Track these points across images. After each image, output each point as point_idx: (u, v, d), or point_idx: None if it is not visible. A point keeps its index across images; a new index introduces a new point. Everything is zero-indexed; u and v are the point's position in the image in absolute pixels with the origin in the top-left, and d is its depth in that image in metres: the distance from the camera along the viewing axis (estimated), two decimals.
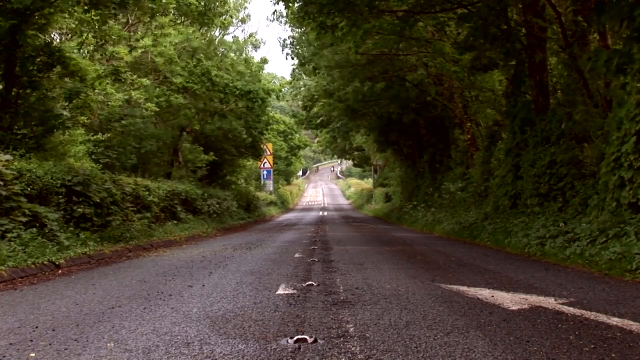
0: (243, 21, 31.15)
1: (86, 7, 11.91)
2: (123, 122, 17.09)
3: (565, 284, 5.93)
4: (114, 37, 15.63)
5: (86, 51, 15.16)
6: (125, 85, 16.63)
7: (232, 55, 28.61)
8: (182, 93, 20.60)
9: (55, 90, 13.42)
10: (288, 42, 26.30)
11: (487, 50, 13.03)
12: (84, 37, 14.89)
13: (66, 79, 13.39)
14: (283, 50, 28.63)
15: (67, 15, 12.80)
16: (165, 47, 19.47)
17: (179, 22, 21.66)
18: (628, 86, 8.06)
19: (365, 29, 13.15)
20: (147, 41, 18.67)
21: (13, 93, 11.75)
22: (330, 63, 21.68)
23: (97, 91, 14.50)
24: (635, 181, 7.65)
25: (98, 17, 13.13)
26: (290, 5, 14.62)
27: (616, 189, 8.14)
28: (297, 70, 32.49)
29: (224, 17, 24.48)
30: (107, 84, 15.15)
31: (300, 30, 24.47)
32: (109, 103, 16.37)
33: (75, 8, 12.19)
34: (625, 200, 7.82)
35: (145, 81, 17.84)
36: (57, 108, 12.80)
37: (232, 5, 26.92)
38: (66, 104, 13.46)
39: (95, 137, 15.37)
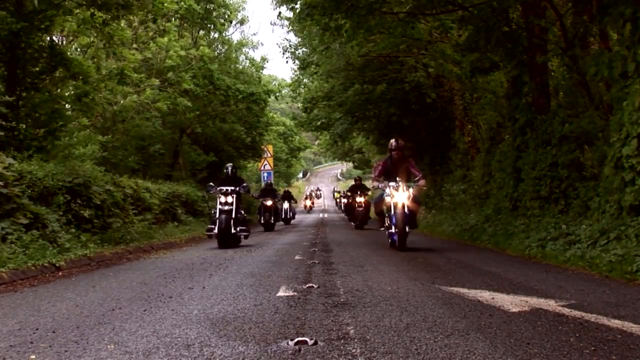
0: (242, 22, 31.07)
1: (91, 11, 11.93)
2: (128, 122, 17.14)
3: (565, 286, 5.92)
4: (116, 40, 15.66)
5: (91, 54, 15.17)
6: (130, 86, 16.65)
7: (233, 54, 28.61)
8: (184, 96, 20.63)
9: (58, 92, 13.45)
10: (288, 45, 26.29)
11: (489, 52, 13.02)
12: (91, 40, 14.94)
13: (70, 80, 13.41)
14: (283, 55, 28.50)
15: (70, 18, 12.83)
16: (175, 52, 19.53)
17: (178, 24, 21.69)
18: (629, 88, 8.05)
19: (366, 27, 13.14)
20: (164, 40, 18.69)
21: (15, 95, 11.77)
22: (331, 66, 21.68)
23: (102, 94, 14.55)
24: (636, 183, 7.64)
25: (100, 20, 13.17)
26: (293, 5, 14.66)
27: (617, 191, 8.13)
28: (296, 73, 32.46)
29: (225, 16, 24.48)
30: (112, 86, 15.18)
31: (302, 33, 24.46)
32: (121, 102, 16.39)
33: (79, 10, 12.23)
34: (626, 202, 7.81)
35: (156, 81, 17.86)
36: (60, 109, 12.82)
37: (231, 7, 26.90)
38: (69, 105, 13.50)
39: (105, 138, 15.41)
